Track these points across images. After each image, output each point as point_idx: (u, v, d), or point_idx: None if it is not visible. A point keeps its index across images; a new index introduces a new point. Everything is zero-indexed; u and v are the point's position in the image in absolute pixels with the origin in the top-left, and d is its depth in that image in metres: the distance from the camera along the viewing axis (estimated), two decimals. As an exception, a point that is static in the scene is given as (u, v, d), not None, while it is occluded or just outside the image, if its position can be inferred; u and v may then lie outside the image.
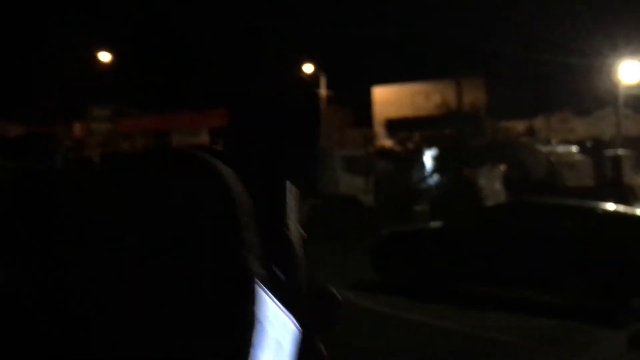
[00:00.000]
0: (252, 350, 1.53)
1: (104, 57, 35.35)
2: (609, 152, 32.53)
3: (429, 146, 29.26)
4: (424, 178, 26.52)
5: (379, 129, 47.34)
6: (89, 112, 39.80)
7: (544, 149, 31.63)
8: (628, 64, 35.68)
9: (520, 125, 39.98)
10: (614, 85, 36.28)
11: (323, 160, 22.19)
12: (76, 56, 35.93)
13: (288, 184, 1.98)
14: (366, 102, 48.95)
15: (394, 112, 47.05)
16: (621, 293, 10.70)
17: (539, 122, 42.04)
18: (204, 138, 47.15)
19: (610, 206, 11.97)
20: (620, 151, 33.01)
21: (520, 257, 11.41)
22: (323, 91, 41.89)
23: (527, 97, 43.05)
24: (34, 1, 64.22)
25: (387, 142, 41.82)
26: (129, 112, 43.39)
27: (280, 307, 1.73)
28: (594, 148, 35.22)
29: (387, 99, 48.25)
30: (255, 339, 1.54)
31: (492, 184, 27.04)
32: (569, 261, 10.94)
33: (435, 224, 13.74)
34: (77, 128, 40.76)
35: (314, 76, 41.46)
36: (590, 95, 39.28)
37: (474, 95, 39.18)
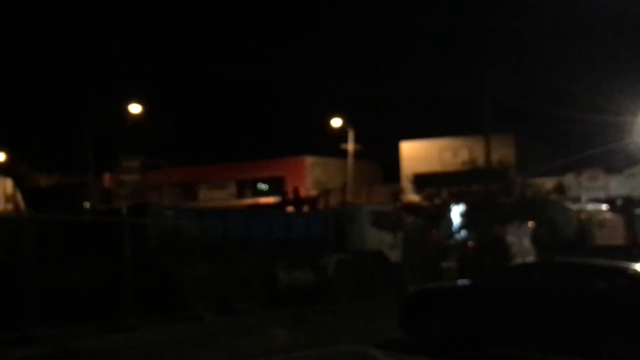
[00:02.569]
0: None
1: (135, 109, 35.77)
2: (638, 212, 32.27)
3: (457, 202, 29.19)
4: (451, 234, 26.46)
5: (407, 184, 47.33)
6: (119, 163, 40.28)
7: (574, 206, 31.41)
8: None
9: (549, 183, 39.76)
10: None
11: (351, 215, 22.25)
12: (108, 107, 36.46)
13: None
14: (394, 157, 49.05)
15: (422, 167, 47.06)
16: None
17: (568, 180, 41.81)
18: (231, 190, 47.49)
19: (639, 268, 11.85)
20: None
21: (550, 318, 11.29)
22: (351, 146, 42.09)
23: (556, 154, 42.90)
24: (66, 50, 65.52)
25: (414, 198, 41.75)
26: (158, 164, 43.87)
27: None
28: (624, 206, 34.93)
29: (415, 154, 48.34)
30: None
31: (520, 242, 26.91)
32: (604, 324, 10.81)
33: (463, 281, 13.67)
34: (107, 179, 41.23)
35: (343, 130, 41.71)
36: (621, 153, 39.08)
37: (503, 151, 39.05)
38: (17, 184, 37.55)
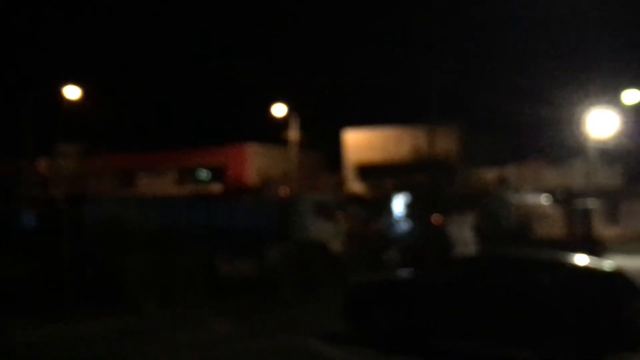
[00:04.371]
0: None
1: (73, 92, 35.19)
2: (579, 204, 32.97)
3: (400, 193, 29.49)
4: (393, 225, 26.72)
5: (350, 174, 47.59)
6: (56, 149, 39.50)
7: (515, 199, 31.96)
8: (597, 115, 36.32)
9: (491, 174, 40.40)
10: (584, 137, 36.92)
11: (294, 205, 22.29)
12: (45, 90, 35.77)
13: None
14: (338, 146, 49.20)
15: (366, 157, 47.34)
16: (589, 348, 10.87)
17: (510, 171, 42.54)
18: (171, 178, 47.12)
19: (580, 259, 12.18)
20: (590, 203, 33.47)
21: (489, 311, 11.56)
22: (294, 134, 42.13)
23: (499, 146, 43.63)
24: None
25: (357, 188, 42.04)
26: (97, 150, 43.22)
27: None
28: (564, 199, 35.68)
29: (359, 143, 48.59)
30: None
31: (462, 233, 27.31)
32: (539, 316, 11.11)
33: (405, 273, 13.85)
34: (43, 165, 40.46)
35: (286, 118, 41.71)
36: (562, 145, 39.83)
37: (446, 142, 39.52)
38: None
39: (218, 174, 46.48)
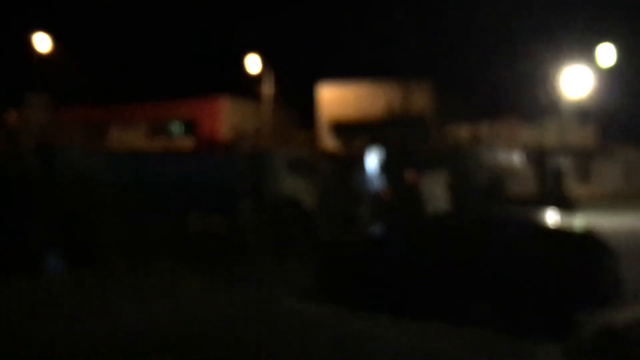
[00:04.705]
0: None
1: (43, 42, 34.69)
2: (552, 163, 33.24)
3: (373, 150, 29.48)
4: (367, 181, 26.72)
5: (324, 130, 47.47)
6: (26, 100, 39.01)
7: (488, 156, 32.11)
8: (572, 73, 36.44)
9: (464, 131, 40.51)
10: (558, 95, 37.07)
11: (267, 161, 22.21)
12: (14, 39, 35.26)
13: None
14: (312, 102, 48.96)
15: (340, 112, 47.19)
16: (557, 305, 11.01)
17: (483, 129, 42.66)
18: (143, 131, 46.73)
19: (551, 218, 12.28)
20: (563, 162, 33.79)
21: (460, 269, 11.64)
22: (269, 89, 41.88)
23: (472, 103, 43.63)
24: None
25: (331, 144, 41.99)
26: (68, 102, 42.69)
27: None
28: (537, 157, 35.89)
29: (333, 99, 48.37)
30: None
31: (435, 190, 27.39)
32: (510, 273, 11.22)
33: (377, 231, 13.90)
34: (12, 116, 39.96)
35: (261, 74, 41.41)
36: (536, 103, 39.98)
37: (421, 98, 39.51)
38: None
39: (190, 127, 46.14)
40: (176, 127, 47.18)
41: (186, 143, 42.11)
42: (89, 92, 47.49)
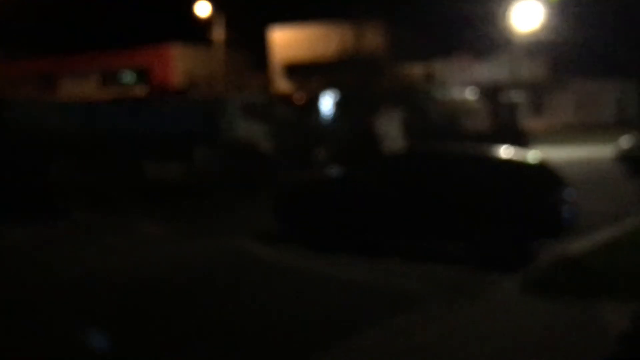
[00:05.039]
0: None
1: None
2: (505, 98, 33.43)
3: (328, 92, 29.36)
4: (322, 123, 26.66)
5: (278, 73, 47.14)
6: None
7: (442, 94, 32.19)
8: (522, 7, 36.46)
9: (418, 70, 40.48)
10: (509, 30, 37.12)
11: (222, 106, 22.00)
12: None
13: None
14: (265, 45, 48.51)
15: (293, 55, 46.82)
16: (514, 237, 11.15)
17: (437, 66, 42.70)
18: (94, 81, 46.03)
19: (503, 152, 12.35)
20: (516, 96, 33.99)
21: (417, 206, 11.71)
22: (221, 33, 41.33)
23: (425, 41, 43.57)
24: None
25: (285, 87, 41.74)
26: (15, 54, 41.77)
27: None
28: (490, 92, 36.05)
29: (286, 41, 47.97)
30: None
31: (391, 129, 27.44)
32: (467, 209, 11.31)
33: (335, 171, 13.88)
34: (-42, 70, 39.08)
35: (212, 18, 40.79)
36: (488, 38, 40.01)
37: (374, 38, 39.28)
38: None
39: (142, 76, 45.55)
40: (128, 77, 46.56)
41: (139, 92, 41.58)
42: (38, 43, 46.46)
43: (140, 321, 8.41)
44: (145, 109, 22.60)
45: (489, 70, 42.76)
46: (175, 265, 11.41)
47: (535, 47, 40.59)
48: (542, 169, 11.80)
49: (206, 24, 41.40)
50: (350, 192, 12.37)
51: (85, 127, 18.13)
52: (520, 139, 28.98)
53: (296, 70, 44.64)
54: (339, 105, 27.93)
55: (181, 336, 7.82)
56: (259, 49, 48.63)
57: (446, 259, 11.31)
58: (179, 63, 45.56)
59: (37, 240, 13.78)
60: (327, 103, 27.97)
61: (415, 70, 40.22)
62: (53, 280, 10.42)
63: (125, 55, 46.17)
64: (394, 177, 12.14)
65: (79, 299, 9.42)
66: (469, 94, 33.65)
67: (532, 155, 13.15)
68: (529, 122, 39.44)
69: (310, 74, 38.45)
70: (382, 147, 25.09)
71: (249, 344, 7.57)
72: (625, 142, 23.10)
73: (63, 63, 46.05)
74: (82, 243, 13.42)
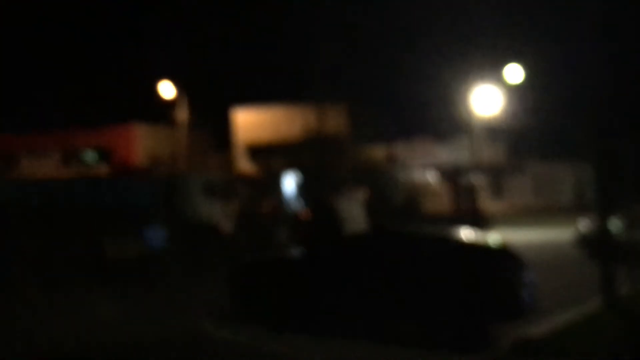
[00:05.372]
0: None
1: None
2: (465, 180, 33.77)
3: (290, 172, 29.46)
4: (284, 204, 26.67)
5: (240, 153, 47.26)
6: None
7: (403, 175, 32.46)
8: (482, 92, 37.10)
9: (380, 151, 40.84)
10: (469, 114, 37.72)
11: (182, 185, 21.91)
12: None
13: None
14: (228, 125, 48.72)
15: (256, 136, 47.02)
16: (474, 319, 11.06)
17: (398, 148, 43.11)
18: (56, 160, 45.70)
19: (464, 234, 12.35)
20: (475, 179, 34.35)
21: (377, 286, 11.61)
22: (184, 115, 41.47)
23: (387, 123, 44.06)
24: None
25: (247, 167, 41.82)
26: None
27: None
28: (451, 174, 36.41)
29: (249, 122, 48.24)
30: None
31: (352, 210, 27.46)
32: (427, 290, 11.23)
33: (295, 251, 13.78)
34: None
35: (175, 99, 40.95)
36: (448, 122, 40.56)
37: (336, 120, 39.72)
38: None
39: (105, 155, 45.31)
40: (90, 156, 46.27)
41: (101, 171, 41.36)
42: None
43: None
44: (104, 185, 22.43)
45: (449, 153, 43.23)
46: (129, 344, 11.13)
47: (494, 130, 41.23)
48: (502, 251, 11.81)
49: (169, 104, 41.53)
50: (310, 273, 12.25)
51: (43, 202, 17.92)
52: (480, 221, 29.19)
53: (259, 150, 44.81)
54: (301, 186, 28.03)
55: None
56: (222, 130, 48.80)
57: (406, 340, 11.15)
58: (141, 142, 45.48)
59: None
60: (289, 183, 28.05)
61: (377, 151, 40.60)
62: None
63: (87, 135, 46.03)
64: (354, 258, 12.07)
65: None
66: (430, 176, 34.00)
67: (492, 237, 13.17)
68: (489, 204, 39.83)
69: (272, 154, 38.64)
70: (344, 227, 25.07)
71: None
72: (582, 225, 23.29)
73: (23, 142, 45.77)
74: (33, 323, 13.07)
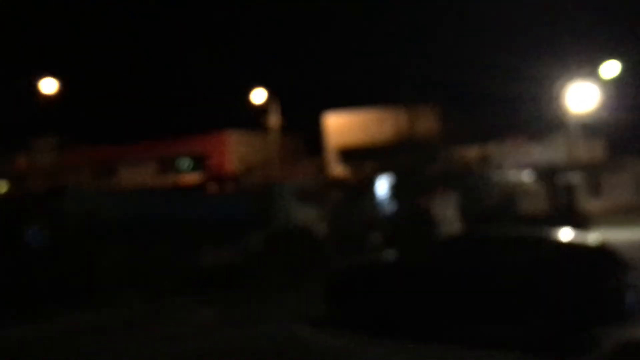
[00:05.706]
0: None
1: (50, 86, 34.80)
2: (562, 179, 33.00)
3: (383, 175, 29.35)
4: (377, 207, 26.58)
5: (332, 157, 47.41)
6: (33, 143, 39.15)
7: (497, 176, 31.94)
8: (577, 89, 36.28)
9: (473, 152, 40.35)
10: (564, 111, 36.91)
11: (275, 191, 22.13)
12: (21, 84, 35.35)
13: None
14: (318, 130, 48.97)
15: (347, 140, 47.11)
16: (575, 324, 10.80)
17: (492, 149, 42.48)
18: (152, 168, 46.80)
19: (562, 235, 12.06)
20: (572, 178, 33.54)
21: (473, 291, 11.44)
22: (275, 120, 41.87)
23: (479, 124, 43.52)
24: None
25: (339, 171, 41.88)
26: (75, 143, 42.79)
27: None
28: (547, 174, 35.65)
29: (340, 126, 48.36)
30: None
31: (445, 212, 27.23)
32: (524, 294, 11.01)
33: (389, 255, 13.72)
34: (21, 160, 40.10)
35: (267, 105, 41.39)
36: (542, 120, 39.83)
37: (427, 122, 39.45)
38: None
39: (199, 162, 46.21)
40: (184, 163, 47.26)
41: (195, 178, 42.14)
42: (97, 132, 47.66)
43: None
44: (202, 195, 22.85)
45: (544, 152, 42.36)
46: (227, 352, 11.28)
47: (591, 127, 40.22)
48: (603, 252, 11.48)
49: (261, 110, 41.99)
50: (404, 277, 12.18)
51: (141, 213, 18.33)
52: (579, 221, 28.44)
53: (350, 154, 44.85)
54: (394, 189, 27.87)
55: None
56: (314, 134, 49.08)
57: (505, 345, 10.95)
58: (234, 149, 46.16)
59: (90, 328, 13.79)
60: (381, 186, 27.94)
61: (470, 152, 40.07)
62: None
63: (182, 143, 47.01)
64: (449, 262, 11.94)
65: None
66: (525, 176, 33.34)
67: (592, 237, 12.81)
68: (587, 204, 38.83)
69: (364, 158, 38.60)
70: (438, 231, 24.85)
71: None
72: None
73: (121, 151, 47.07)
74: (134, 330, 13.39)
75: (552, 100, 36.68)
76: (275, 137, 42.23)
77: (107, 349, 11.80)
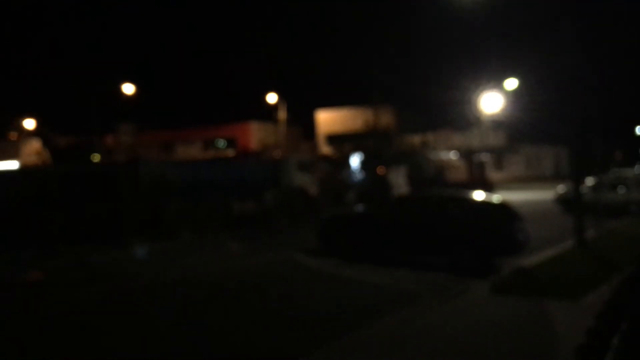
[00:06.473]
0: None
1: (129, 88, 34.66)
2: (476, 158, 33.10)
3: (356, 153, 29.33)
4: (351, 175, 26.63)
5: (322, 141, 47.34)
6: (118, 128, 38.83)
7: (433, 155, 31.98)
8: (488, 96, 36.23)
9: (416, 139, 40.34)
10: (479, 111, 36.90)
11: (283, 163, 22.09)
12: (108, 85, 35.24)
13: None
14: (313, 122, 48.88)
15: (332, 129, 47.09)
16: (485, 254, 10.92)
17: (429, 137, 42.48)
18: (198, 146, 46.63)
19: (476, 195, 12.16)
20: (484, 157, 33.64)
21: (417, 232, 11.56)
22: (283, 114, 41.68)
23: (421, 119, 43.45)
24: (75, 43, 62.33)
25: (327, 150, 41.83)
26: (146, 128, 42.50)
27: None
28: (466, 154, 35.67)
29: (327, 119, 48.25)
30: None
31: (398, 180, 27.31)
32: (450, 234, 11.13)
33: (359, 208, 13.79)
34: (109, 139, 39.77)
35: (277, 104, 41.19)
36: (464, 117, 39.79)
37: (387, 118, 39.36)
38: (44, 143, 35.93)
39: (231, 143, 46.03)
40: (221, 143, 47.04)
41: (228, 153, 41.98)
42: (162, 120, 47.31)
43: (226, 309, 8.32)
44: (232, 164, 22.76)
45: (465, 139, 42.41)
46: (249, 270, 11.35)
47: (497, 123, 40.26)
48: (503, 207, 11.58)
49: (274, 108, 41.77)
50: (370, 223, 12.26)
51: (192, 176, 18.29)
52: (487, 186, 28.62)
53: (334, 139, 44.78)
54: (363, 163, 27.89)
55: (257, 316, 7.71)
56: (309, 125, 49.00)
57: (437, 269, 11.09)
58: (255, 134, 45.95)
59: (158, 254, 13.84)
60: (355, 161, 27.94)
61: (415, 139, 40.07)
62: (165, 279, 10.43)
63: (219, 129, 46.76)
64: (400, 213, 12.01)
65: (190, 291, 9.39)
66: (452, 156, 33.38)
67: (496, 197, 12.91)
68: (493, 175, 38.93)
69: (343, 141, 38.50)
70: (392, 192, 24.94)
71: (300, 322, 7.44)
72: (560, 189, 22.66)
73: (178, 134, 46.78)
74: (188, 255, 13.46)
75: (471, 104, 36.63)
76: (282, 126, 42.08)
77: (168, 267, 11.86)
